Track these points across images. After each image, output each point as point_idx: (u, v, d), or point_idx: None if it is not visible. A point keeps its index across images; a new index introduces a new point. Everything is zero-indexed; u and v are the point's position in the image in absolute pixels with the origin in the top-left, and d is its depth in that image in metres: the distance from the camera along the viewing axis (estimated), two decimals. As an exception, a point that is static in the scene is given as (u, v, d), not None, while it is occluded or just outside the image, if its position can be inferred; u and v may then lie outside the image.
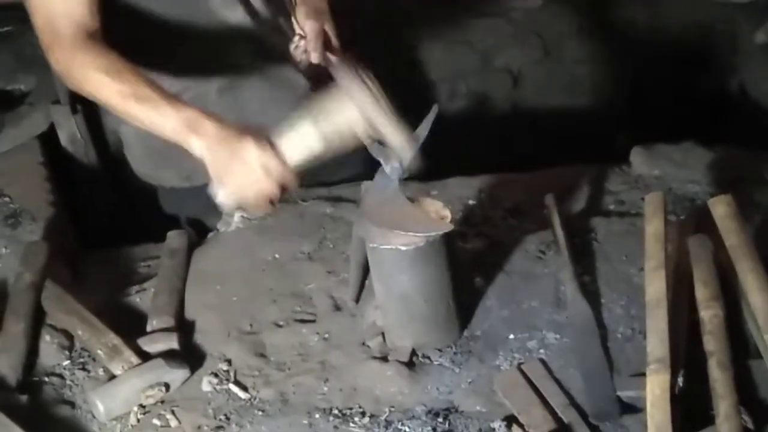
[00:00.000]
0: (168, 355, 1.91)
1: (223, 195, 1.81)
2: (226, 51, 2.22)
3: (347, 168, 2.40)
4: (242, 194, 1.80)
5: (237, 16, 2.21)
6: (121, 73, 1.88)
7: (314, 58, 2.21)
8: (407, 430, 1.74)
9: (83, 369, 1.95)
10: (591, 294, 1.96)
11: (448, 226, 1.79)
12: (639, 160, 2.38)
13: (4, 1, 2.91)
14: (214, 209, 2.05)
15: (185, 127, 1.80)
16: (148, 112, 1.85)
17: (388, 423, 1.76)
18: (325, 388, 1.86)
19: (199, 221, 2.42)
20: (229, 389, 1.88)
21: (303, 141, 1.77)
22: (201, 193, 2.30)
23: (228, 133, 1.78)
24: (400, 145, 1.76)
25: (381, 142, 1.77)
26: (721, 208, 1.91)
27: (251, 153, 1.76)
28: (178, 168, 2.30)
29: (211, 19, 2.17)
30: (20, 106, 2.79)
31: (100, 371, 1.94)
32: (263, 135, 1.78)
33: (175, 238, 2.24)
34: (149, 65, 2.11)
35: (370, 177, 1.88)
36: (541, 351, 1.87)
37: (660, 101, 3.66)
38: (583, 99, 3.78)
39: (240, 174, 1.77)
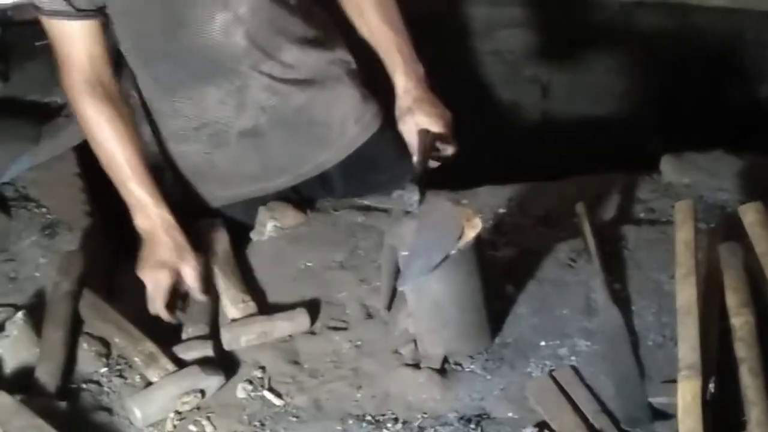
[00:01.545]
0: (203, 363, 1.94)
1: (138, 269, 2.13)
2: (252, 95, 2.25)
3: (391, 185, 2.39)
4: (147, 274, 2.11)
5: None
6: (104, 141, 2.18)
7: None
8: (440, 436, 1.76)
9: (120, 376, 1.99)
10: (622, 301, 1.97)
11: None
12: (669, 168, 2.38)
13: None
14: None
15: (136, 208, 2.17)
16: (116, 181, 2.19)
17: (420, 429, 1.78)
18: (358, 395, 1.88)
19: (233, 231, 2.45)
20: (264, 396, 1.91)
21: None
22: (235, 206, 2.36)
23: (173, 241, 2.13)
24: None
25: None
26: (751, 216, 1.91)
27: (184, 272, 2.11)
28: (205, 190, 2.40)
29: (237, 66, 2.21)
30: (57, 118, 2.83)
31: (137, 378, 1.97)
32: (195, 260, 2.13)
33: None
34: (167, 97, 2.22)
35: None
36: (573, 358, 1.88)
37: (690, 110, 3.65)
38: (613, 109, 3.78)
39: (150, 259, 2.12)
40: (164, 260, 2.11)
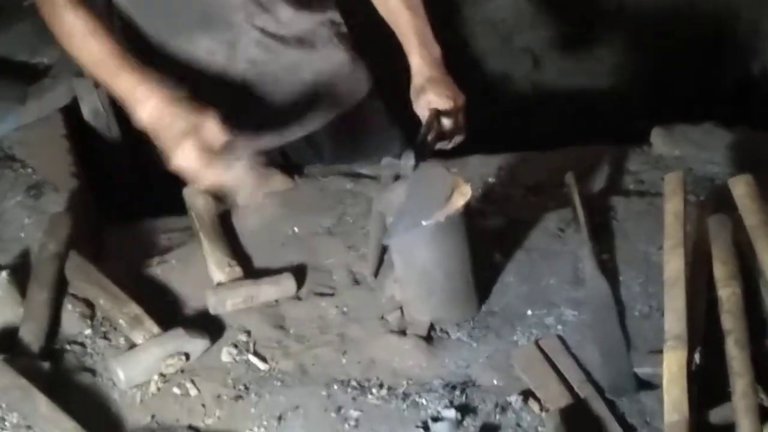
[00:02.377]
0: (188, 326, 1.93)
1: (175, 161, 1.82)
2: (243, 49, 2.24)
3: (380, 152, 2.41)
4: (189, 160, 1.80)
5: None
6: (89, 36, 1.95)
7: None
8: (424, 402, 1.76)
9: (105, 338, 1.97)
10: (609, 272, 1.97)
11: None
12: (659, 140, 2.38)
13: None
14: None
15: (134, 96, 1.87)
16: (107, 78, 1.94)
17: (405, 395, 1.78)
18: (344, 361, 1.88)
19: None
20: (249, 360, 1.90)
21: None
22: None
23: (184, 107, 1.83)
24: None
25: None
26: (741, 188, 1.91)
27: (208, 127, 1.79)
28: None
29: (232, 16, 2.19)
30: (43, 79, 2.80)
31: (122, 340, 1.96)
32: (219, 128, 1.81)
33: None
34: (158, 46, 2.18)
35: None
36: (559, 327, 1.88)
37: (682, 84, 3.65)
38: (604, 82, 3.77)
39: (184, 141, 1.79)
40: (184, 129, 1.81)
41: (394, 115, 2.50)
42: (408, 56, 2.17)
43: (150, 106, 1.85)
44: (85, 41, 1.97)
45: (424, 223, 1.78)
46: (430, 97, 2.09)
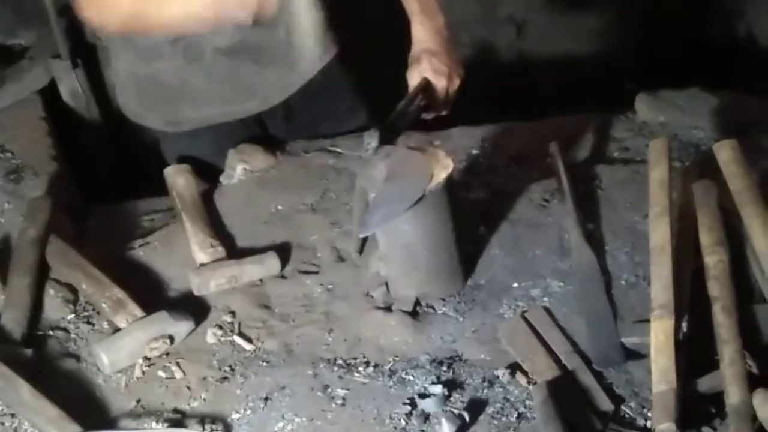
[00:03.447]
0: (172, 308, 1.91)
1: None
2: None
3: (351, 121, 2.41)
4: None
5: None
6: None
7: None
8: (411, 378, 1.74)
9: (88, 322, 1.95)
10: (595, 241, 1.95)
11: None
12: (644, 106, 2.36)
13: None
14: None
15: None
16: None
17: (392, 372, 1.77)
18: (330, 339, 1.86)
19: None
20: (234, 341, 1.89)
21: None
22: (199, 140, 2.32)
23: None
24: None
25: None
26: (725, 153, 1.89)
27: None
28: (164, 112, 2.34)
29: None
30: (20, 61, 2.78)
31: (105, 324, 1.94)
32: None
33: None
34: None
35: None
36: (545, 299, 1.87)
37: (668, 48, 3.62)
38: (589, 47, 3.74)
39: None
40: None
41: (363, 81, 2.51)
42: (411, 24, 2.16)
43: None
44: None
45: (400, 212, 1.76)
46: (424, 66, 2.08)
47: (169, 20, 2.00)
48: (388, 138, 1.86)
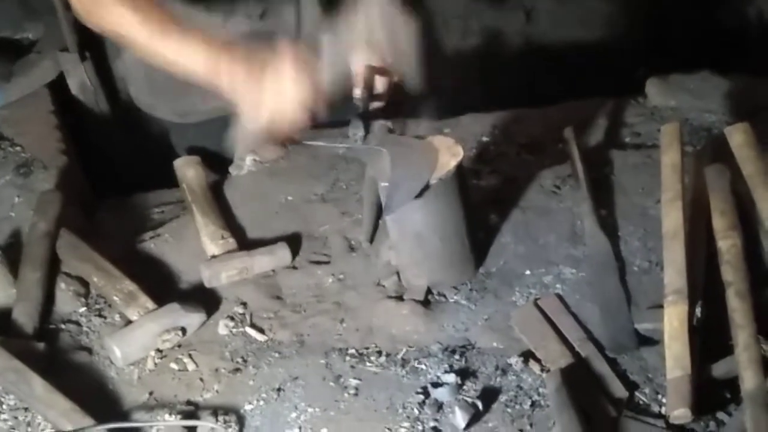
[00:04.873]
0: (183, 300, 1.91)
1: (253, 118, 1.74)
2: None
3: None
4: (272, 110, 1.71)
5: None
6: (145, 7, 1.76)
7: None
8: (424, 368, 1.74)
9: (99, 315, 1.96)
10: (608, 227, 1.94)
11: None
12: (654, 91, 2.34)
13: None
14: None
15: (212, 68, 1.75)
16: (174, 48, 1.77)
17: (404, 361, 1.76)
18: (341, 329, 1.86)
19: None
20: (246, 332, 1.88)
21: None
22: (211, 130, 2.32)
23: (258, 61, 1.72)
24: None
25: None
26: (738, 137, 1.88)
27: (285, 67, 1.69)
28: (175, 104, 2.33)
29: None
30: (28, 54, 2.77)
31: (117, 317, 1.94)
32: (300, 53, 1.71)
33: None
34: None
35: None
36: (558, 286, 1.86)
37: (678, 32, 3.60)
38: (599, 32, 3.72)
39: (271, 90, 1.69)
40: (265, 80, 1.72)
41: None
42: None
43: (231, 75, 1.74)
44: (131, 13, 1.76)
45: (416, 191, 1.74)
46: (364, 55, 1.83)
47: None
48: (370, 126, 1.79)
